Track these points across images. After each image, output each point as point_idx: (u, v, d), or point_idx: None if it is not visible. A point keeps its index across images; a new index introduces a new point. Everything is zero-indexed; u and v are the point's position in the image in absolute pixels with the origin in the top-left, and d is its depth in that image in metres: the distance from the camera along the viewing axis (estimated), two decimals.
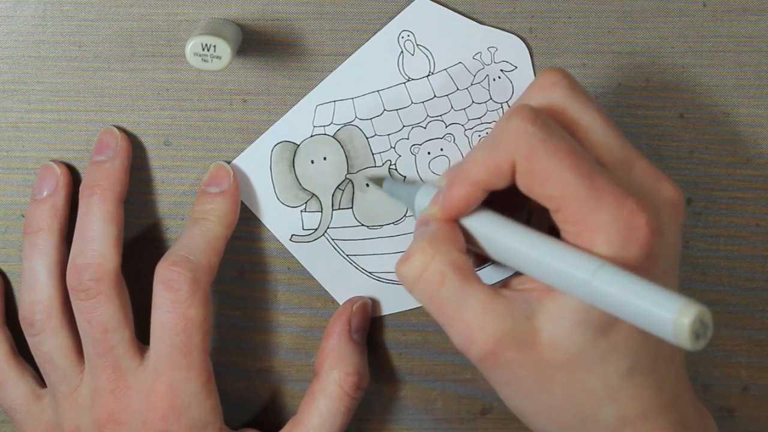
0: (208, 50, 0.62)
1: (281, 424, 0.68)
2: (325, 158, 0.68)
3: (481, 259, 0.62)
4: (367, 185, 0.68)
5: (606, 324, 0.56)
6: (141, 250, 0.69)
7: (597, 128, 0.58)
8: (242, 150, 0.68)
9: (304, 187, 0.68)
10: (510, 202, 0.60)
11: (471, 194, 0.58)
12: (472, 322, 0.56)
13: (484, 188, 0.58)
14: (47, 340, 0.67)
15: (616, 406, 0.57)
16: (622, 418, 0.57)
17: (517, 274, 0.58)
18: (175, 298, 0.64)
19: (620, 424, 0.58)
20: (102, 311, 0.65)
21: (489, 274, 0.68)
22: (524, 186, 0.57)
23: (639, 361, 0.57)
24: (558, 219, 0.56)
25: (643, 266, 0.55)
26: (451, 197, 0.58)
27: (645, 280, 0.52)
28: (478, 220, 0.59)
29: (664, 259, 0.57)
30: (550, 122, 0.57)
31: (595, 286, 0.53)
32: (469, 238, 0.59)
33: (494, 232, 0.58)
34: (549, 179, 0.56)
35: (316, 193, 0.68)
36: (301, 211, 0.69)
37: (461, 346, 0.57)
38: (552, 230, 0.58)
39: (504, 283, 0.58)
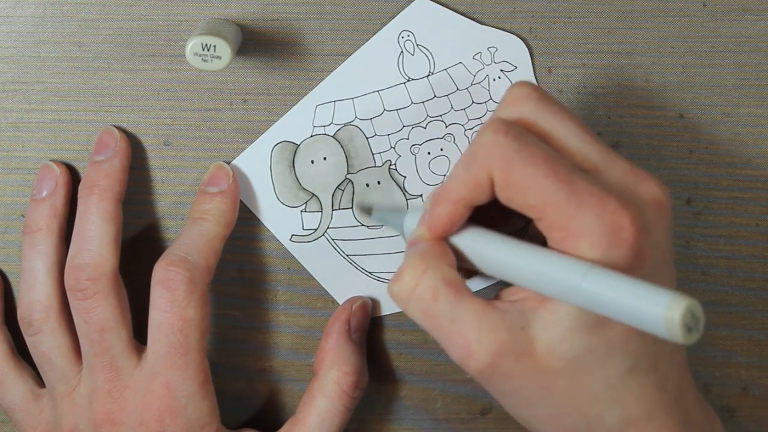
0: (208, 50, 0.62)
1: (281, 424, 0.68)
2: (325, 158, 0.68)
3: (469, 272, 0.62)
4: (367, 185, 0.68)
5: (601, 327, 0.56)
6: (141, 250, 0.69)
7: (571, 136, 0.58)
8: (242, 150, 0.68)
9: (304, 187, 0.68)
10: (501, 215, 0.60)
11: (454, 212, 0.58)
12: (468, 334, 0.56)
13: (466, 205, 0.58)
14: (45, 339, 0.67)
15: (620, 407, 0.57)
16: (626, 419, 0.57)
17: (508, 285, 0.58)
18: (173, 298, 0.64)
19: (624, 425, 0.57)
20: (99, 311, 0.65)
21: (473, 283, 0.68)
22: (504, 197, 0.57)
23: (639, 361, 0.57)
24: (542, 227, 0.56)
25: (631, 266, 0.55)
26: (436, 216, 0.59)
27: (634, 279, 0.52)
28: (465, 237, 0.59)
29: (652, 258, 0.56)
30: (524, 132, 0.57)
31: (585, 289, 0.53)
32: (458, 256, 0.59)
33: (482, 246, 0.58)
34: (527, 188, 0.56)
35: (316, 193, 0.69)
36: (301, 211, 0.69)
37: (459, 359, 0.57)
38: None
39: (495, 296, 0.58)
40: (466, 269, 0.60)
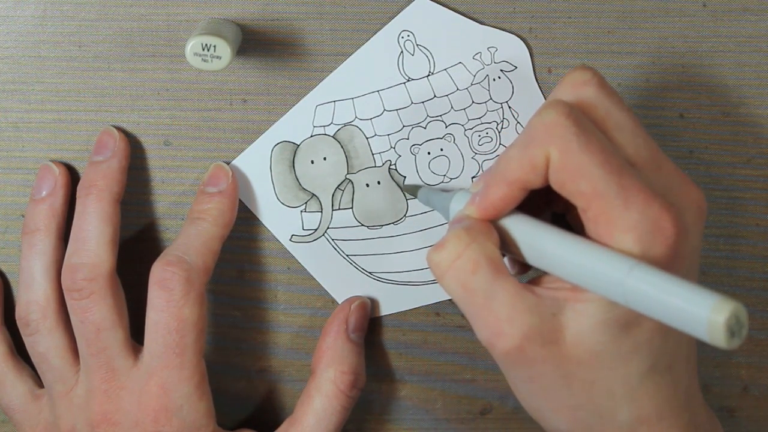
0: (208, 50, 0.62)
1: (280, 424, 0.68)
2: (325, 158, 0.68)
3: (522, 268, 0.62)
4: (367, 185, 0.68)
5: (630, 324, 0.56)
6: (141, 250, 0.69)
7: (626, 128, 0.58)
8: (242, 150, 0.68)
9: (304, 187, 0.68)
10: (535, 209, 0.61)
11: (508, 194, 0.58)
12: (501, 313, 0.56)
13: (521, 187, 0.58)
14: (42, 340, 0.67)
15: (634, 406, 0.57)
16: (638, 418, 0.58)
17: (546, 273, 0.58)
18: (169, 298, 0.64)
19: (636, 424, 0.58)
20: (95, 311, 0.65)
21: None
22: (556, 182, 0.57)
23: (659, 361, 0.57)
24: (586, 218, 0.56)
25: (668, 266, 0.55)
26: (489, 198, 0.58)
27: (679, 279, 0.52)
28: (511, 221, 0.58)
29: (687, 260, 0.57)
30: (583, 117, 0.57)
31: (629, 284, 0.53)
32: (502, 240, 0.59)
33: (528, 232, 0.58)
34: (581, 175, 0.56)
35: (316, 193, 0.69)
36: (301, 212, 0.69)
37: (487, 338, 0.57)
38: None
39: (532, 281, 0.58)
40: (519, 264, 0.60)
